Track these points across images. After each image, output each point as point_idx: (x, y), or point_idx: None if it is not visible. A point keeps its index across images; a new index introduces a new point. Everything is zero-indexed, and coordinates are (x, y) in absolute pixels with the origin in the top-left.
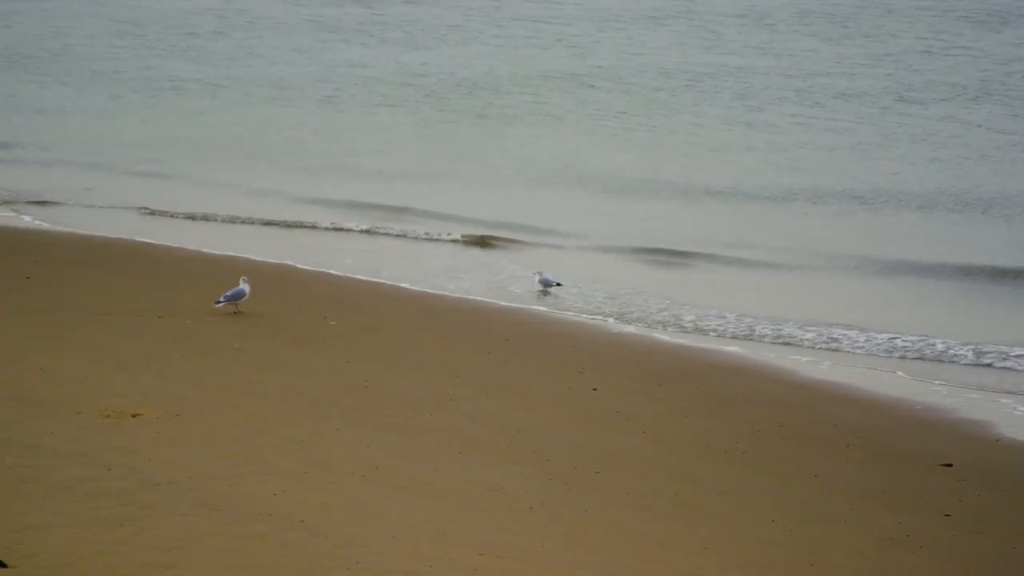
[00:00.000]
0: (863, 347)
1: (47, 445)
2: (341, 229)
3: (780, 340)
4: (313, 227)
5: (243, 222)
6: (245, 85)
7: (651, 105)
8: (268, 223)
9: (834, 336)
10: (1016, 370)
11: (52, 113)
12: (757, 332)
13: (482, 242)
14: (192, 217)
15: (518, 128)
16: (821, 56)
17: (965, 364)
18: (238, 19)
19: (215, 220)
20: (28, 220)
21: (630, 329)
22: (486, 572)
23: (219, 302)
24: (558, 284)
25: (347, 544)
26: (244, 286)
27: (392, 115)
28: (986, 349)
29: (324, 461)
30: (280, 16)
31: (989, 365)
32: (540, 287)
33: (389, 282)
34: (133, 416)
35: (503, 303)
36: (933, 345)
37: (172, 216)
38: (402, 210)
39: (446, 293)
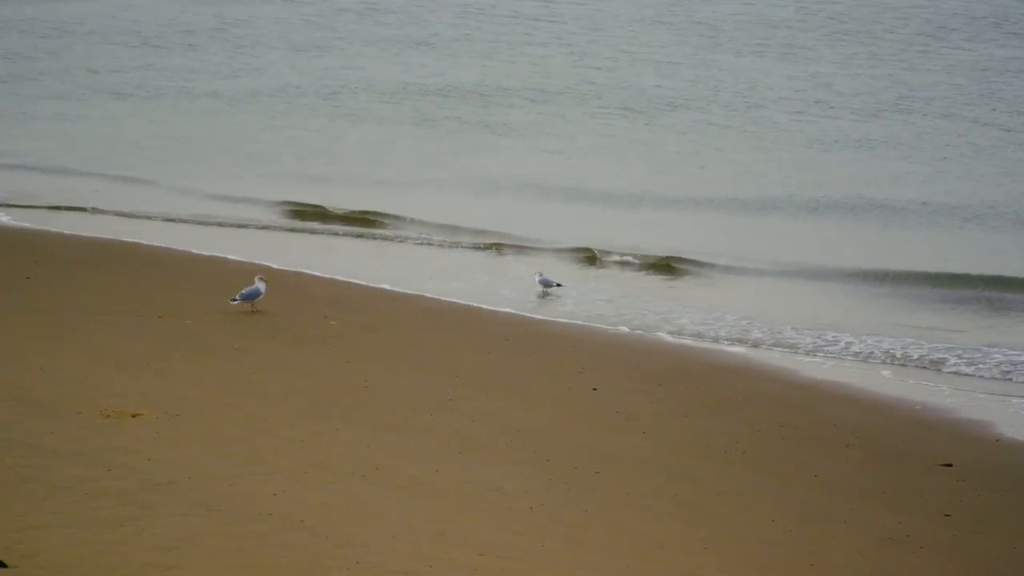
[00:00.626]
0: (858, 350)
1: (47, 445)
2: (343, 233)
3: (777, 344)
4: (311, 232)
5: (235, 225)
6: (242, 87)
7: (654, 106)
8: (264, 227)
9: (828, 339)
10: (1013, 378)
11: (46, 116)
12: (753, 336)
13: (484, 247)
14: (172, 219)
15: (519, 132)
16: (823, 56)
17: (964, 372)
18: (236, 18)
19: (202, 223)
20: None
21: (630, 329)
22: (486, 572)
23: (234, 300)
24: (558, 285)
25: (347, 544)
26: (259, 284)
27: (392, 119)
28: (977, 355)
29: (324, 461)
30: (277, 14)
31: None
32: (541, 287)
33: (391, 283)
34: (133, 416)
35: (504, 303)
36: (925, 349)
37: (151, 219)
38: (402, 216)
39: (447, 293)
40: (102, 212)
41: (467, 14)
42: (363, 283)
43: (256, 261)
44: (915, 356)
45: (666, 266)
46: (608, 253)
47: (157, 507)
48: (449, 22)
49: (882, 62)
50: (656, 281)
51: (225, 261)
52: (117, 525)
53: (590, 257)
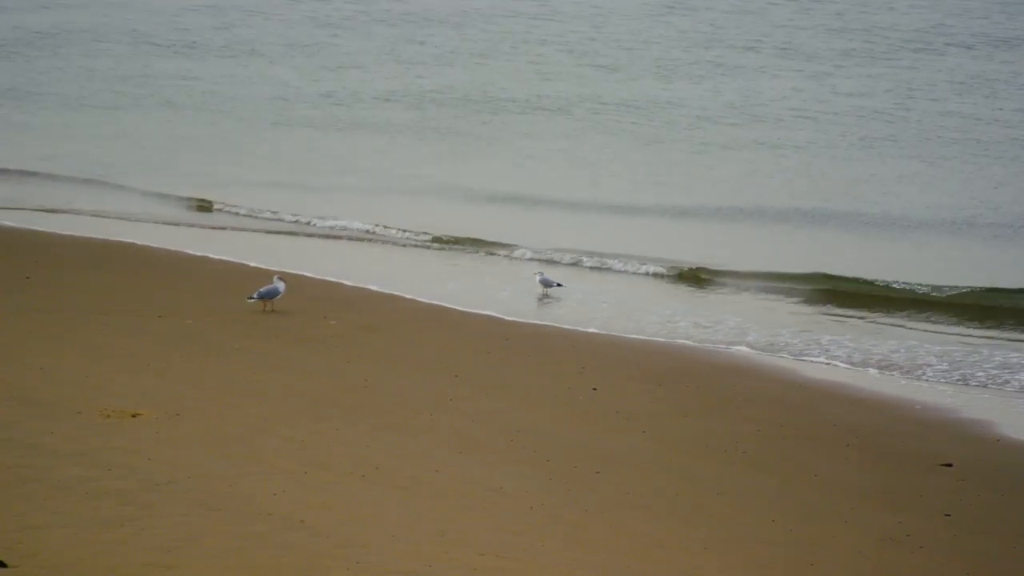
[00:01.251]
0: (856, 353)
1: (47, 445)
2: (341, 236)
3: (773, 349)
4: (308, 235)
5: (233, 228)
6: (238, 89)
7: (659, 107)
8: (264, 231)
9: (824, 342)
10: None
11: (47, 120)
12: (750, 339)
13: (483, 250)
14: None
15: (519, 135)
16: (825, 53)
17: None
18: (233, 20)
19: (202, 225)
20: None
21: (630, 330)
22: (486, 572)
23: (251, 298)
24: (559, 285)
25: (347, 544)
26: (278, 284)
27: (391, 122)
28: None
29: (324, 461)
30: (274, 12)
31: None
32: (541, 287)
33: (391, 284)
34: (133, 416)
35: (503, 303)
36: (925, 350)
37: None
38: (404, 226)
39: (446, 293)
40: (96, 215)
41: (466, 13)
42: (362, 284)
43: (255, 262)
44: (916, 357)
45: (666, 270)
46: (613, 261)
47: (157, 507)
48: (447, 22)
49: (883, 62)
50: (655, 284)
51: (223, 262)
52: (117, 525)
53: (593, 264)
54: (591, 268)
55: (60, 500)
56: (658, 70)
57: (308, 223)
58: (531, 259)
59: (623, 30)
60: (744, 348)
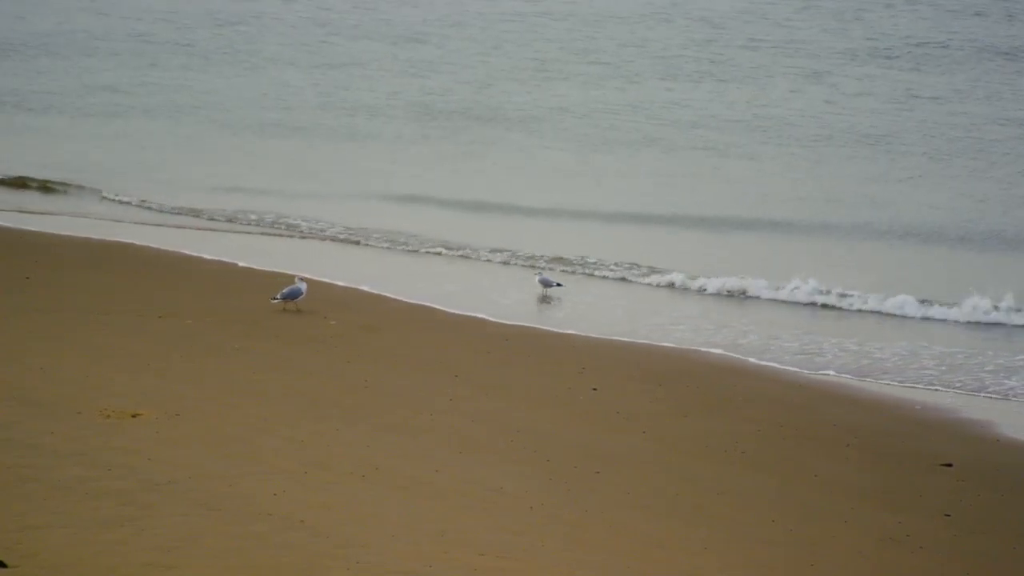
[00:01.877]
0: (854, 355)
1: (47, 445)
2: (340, 239)
3: (773, 349)
4: (307, 237)
5: (230, 231)
6: (234, 94)
7: (663, 108)
8: (263, 233)
9: (824, 346)
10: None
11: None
12: (749, 340)
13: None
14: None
15: (525, 139)
16: (828, 52)
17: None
18: (229, 20)
19: (203, 228)
20: None
21: (629, 331)
22: (486, 572)
23: (275, 298)
24: (558, 285)
25: (347, 544)
26: (300, 284)
27: (393, 123)
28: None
29: (324, 461)
30: (275, 13)
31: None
32: (540, 287)
33: (390, 284)
34: (133, 416)
35: (503, 303)
36: (925, 351)
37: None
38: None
39: (446, 294)
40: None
41: (466, 13)
42: (362, 285)
43: (255, 264)
44: (916, 358)
45: (664, 281)
46: (614, 268)
47: (157, 507)
48: (448, 21)
49: (888, 62)
50: (657, 287)
51: (223, 263)
52: (117, 525)
53: (592, 269)
54: (591, 271)
55: (60, 500)
56: (662, 71)
57: (301, 225)
58: (529, 262)
59: (624, 31)
60: (743, 349)
